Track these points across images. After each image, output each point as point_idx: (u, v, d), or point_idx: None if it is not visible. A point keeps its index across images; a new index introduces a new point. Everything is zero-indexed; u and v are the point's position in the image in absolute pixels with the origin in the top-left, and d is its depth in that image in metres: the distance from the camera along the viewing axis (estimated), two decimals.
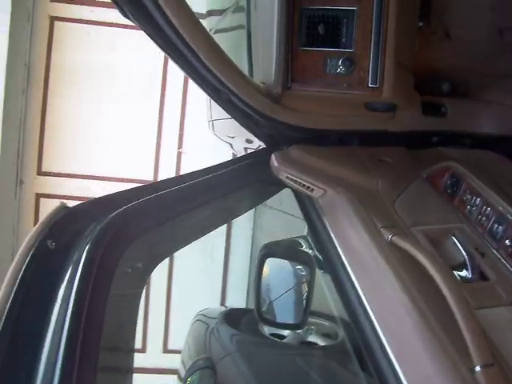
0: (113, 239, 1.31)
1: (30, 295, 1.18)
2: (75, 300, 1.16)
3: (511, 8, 2.16)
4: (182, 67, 1.58)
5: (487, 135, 2.11)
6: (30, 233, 1.27)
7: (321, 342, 3.22)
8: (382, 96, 1.84)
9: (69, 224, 1.36)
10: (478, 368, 1.10)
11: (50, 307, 1.18)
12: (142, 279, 1.68)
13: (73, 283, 1.19)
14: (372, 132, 1.95)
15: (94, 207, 1.45)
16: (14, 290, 1.15)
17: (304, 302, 1.93)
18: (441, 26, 2.22)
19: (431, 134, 2.06)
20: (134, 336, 1.64)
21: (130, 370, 1.63)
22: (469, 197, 1.66)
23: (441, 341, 1.19)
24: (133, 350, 1.65)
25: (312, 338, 3.24)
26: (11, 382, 1.09)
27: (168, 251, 1.92)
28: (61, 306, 1.18)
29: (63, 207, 1.37)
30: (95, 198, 1.50)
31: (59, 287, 1.22)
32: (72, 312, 1.14)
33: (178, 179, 1.70)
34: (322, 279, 2.00)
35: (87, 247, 1.25)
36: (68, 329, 1.12)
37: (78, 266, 1.22)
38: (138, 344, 5.76)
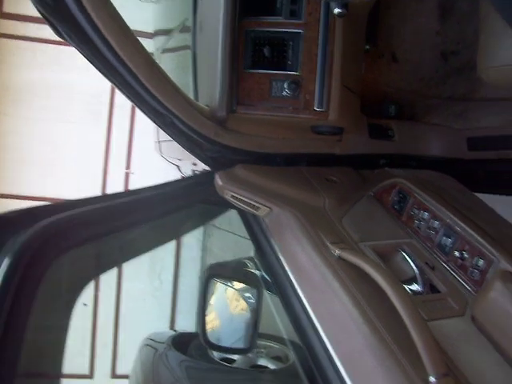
0: (40, 249, 1.23)
1: None
2: None
3: (455, 33, 2.20)
4: (123, 91, 1.54)
5: (433, 157, 2.14)
6: None
7: (271, 365, 3.19)
8: (328, 119, 1.83)
9: None
10: (432, 379, 1.08)
11: None
12: (71, 297, 1.61)
13: None
14: (319, 155, 1.94)
15: (25, 215, 1.37)
16: None
17: (251, 324, 1.90)
18: (388, 50, 2.25)
19: (378, 157, 2.07)
20: (62, 357, 1.56)
21: None
22: (416, 211, 1.66)
23: (394, 354, 1.17)
24: (59, 375, 1.57)
25: (262, 362, 3.21)
26: None
27: (106, 266, 1.85)
28: None
29: None
30: (27, 207, 1.42)
31: None
32: None
33: (120, 194, 1.65)
34: (270, 300, 1.98)
35: (7, 258, 1.17)
36: None
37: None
38: (84, 369, 5.65)
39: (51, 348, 1.50)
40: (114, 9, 1.36)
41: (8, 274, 1.15)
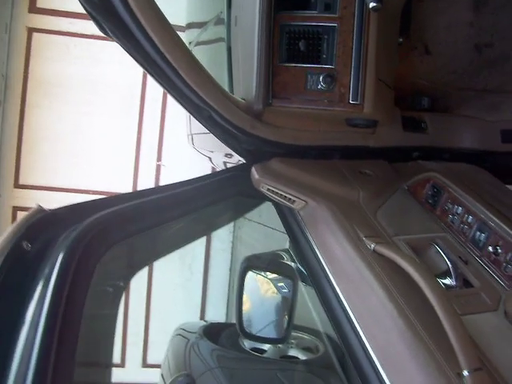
0: (90, 244, 1.28)
1: (3, 295, 1.16)
2: (50, 305, 1.13)
3: (489, 25, 2.19)
4: (162, 84, 1.57)
5: (466, 150, 2.13)
6: (4, 233, 1.24)
7: (301, 356, 3.20)
8: (362, 112, 1.84)
9: (45, 227, 1.33)
10: (466, 372, 1.10)
11: (23, 311, 1.15)
12: (121, 287, 1.66)
13: (48, 287, 1.16)
14: (353, 147, 1.95)
15: (72, 212, 1.43)
16: None
17: (286, 315, 1.92)
18: (421, 42, 2.24)
19: (411, 149, 2.07)
20: (113, 346, 1.60)
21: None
22: (450, 206, 1.66)
23: (427, 347, 1.18)
24: (111, 363, 1.62)
25: (292, 352, 3.22)
26: None
27: (146, 260, 1.90)
28: (35, 310, 1.14)
29: (40, 210, 1.34)
30: (74, 204, 1.47)
31: (34, 290, 1.18)
32: (46, 318, 1.11)
33: (159, 189, 1.69)
34: (305, 292, 1.99)
35: (64, 251, 1.22)
36: (42, 335, 1.09)
37: (54, 269, 1.19)
38: (116, 359, 5.71)
39: (103, 337, 1.54)
40: (156, 5, 1.39)
41: (63, 268, 1.19)
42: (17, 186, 5.73)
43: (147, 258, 1.86)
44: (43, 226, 1.32)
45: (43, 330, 1.09)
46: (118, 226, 1.42)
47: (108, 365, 1.63)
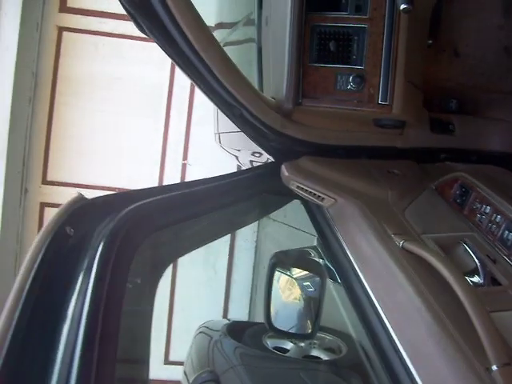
0: (131, 230, 1.31)
1: (48, 279, 1.18)
2: (93, 288, 1.16)
3: None
4: (196, 82, 1.60)
5: (494, 152, 2.12)
6: (48, 219, 1.28)
7: (324, 357, 3.21)
8: (391, 113, 1.85)
9: (87, 213, 1.37)
10: (494, 367, 1.10)
11: (67, 294, 1.18)
12: (156, 277, 1.69)
13: (91, 270, 1.19)
14: (380, 148, 1.96)
15: (111, 200, 1.47)
16: (32, 274, 1.15)
17: (313, 311, 1.93)
18: (450, 44, 2.24)
19: (439, 151, 2.08)
20: (150, 340, 1.62)
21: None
22: (478, 205, 1.66)
23: (456, 341, 1.19)
24: (148, 359, 1.64)
25: (315, 352, 3.23)
26: (23, 372, 1.07)
27: (179, 252, 1.92)
28: (78, 294, 1.17)
29: (81, 198, 1.38)
30: (111, 194, 1.51)
31: (77, 273, 1.22)
32: (90, 301, 1.13)
33: (190, 184, 1.72)
34: (333, 289, 2.01)
35: (106, 236, 1.26)
36: (86, 318, 1.11)
37: (96, 253, 1.22)
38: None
39: (141, 331, 1.57)
40: (192, 4, 1.42)
41: (105, 256, 1.22)
42: (44, 182, 5.79)
43: (178, 251, 1.89)
44: (84, 213, 1.35)
45: (86, 322, 1.11)
46: (154, 216, 1.45)
47: (145, 360, 1.66)
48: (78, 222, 1.32)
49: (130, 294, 1.29)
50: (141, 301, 1.59)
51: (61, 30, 5.65)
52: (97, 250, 1.22)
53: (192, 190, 1.63)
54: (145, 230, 1.39)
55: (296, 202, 1.92)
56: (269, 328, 1.94)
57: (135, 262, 1.32)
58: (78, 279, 1.20)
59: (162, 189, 1.62)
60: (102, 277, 1.19)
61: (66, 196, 1.41)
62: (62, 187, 5.74)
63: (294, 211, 1.96)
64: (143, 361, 1.63)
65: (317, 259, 2.02)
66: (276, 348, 3.11)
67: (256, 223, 5.64)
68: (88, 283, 1.17)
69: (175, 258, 1.79)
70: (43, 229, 1.24)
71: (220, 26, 3.60)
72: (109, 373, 1.11)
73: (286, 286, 1.98)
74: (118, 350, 1.15)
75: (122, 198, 1.48)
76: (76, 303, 1.15)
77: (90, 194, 1.45)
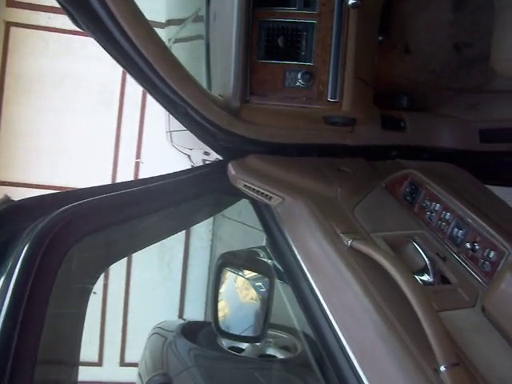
0: (56, 237, 1.24)
1: None
2: (11, 299, 1.10)
3: (468, 24, 2.19)
4: (138, 79, 1.55)
5: (445, 149, 2.14)
6: None
7: (279, 355, 3.21)
8: (341, 110, 1.83)
9: (12, 217, 1.32)
10: (442, 368, 1.10)
11: None
12: (89, 283, 1.63)
13: (10, 279, 1.13)
14: (331, 146, 1.95)
15: (41, 203, 1.40)
16: None
17: (263, 313, 1.91)
18: (401, 41, 2.24)
19: (390, 148, 2.07)
20: (79, 345, 1.57)
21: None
22: (428, 203, 1.66)
23: (404, 342, 1.18)
24: (77, 363, 1.58)
25: (271, 351, 3.23)
26: None
27: (119, 255, 1.87)
28: None
29: (7, 200, 1.33)
30: (43, 195, 1.45)
31: None
32: (6, 313, 1.08)
33: (134, 183, 1.67)
34: (281, 289, 1.99)
35: (28, 243, 1.19)
36: (1, 332, 1.06)
37: (17, 262, 1.15)
38: (94, 357, 5.69)
39: (69, 335, 1.52)
40: None
41: (28, 260, 1.16)
42: None
43: (120, 253, 1.84)
44: (9, 216, 1.30)
45: (2, 324, 1.07)
46: (89, 218, 1.39)
47: (74, 363, 1.60)
48: (2, 225, 1.26)
49: (56, 301, 1.23)
50: (70, 306, 1.53)
51: (8, 25, 5.53)
52: (19, 256, 1.16)
53: (134, 189, 1.58)
54: (77, 232, 1.33)
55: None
56: (216, 331, 1.91)
57: (67, 264, 1.26)
58: None
59: (103, 188, 1.56)
60: (23, 283, 1.13)
61: (16, 196, 1.36)
62: (12, 187, 5.63)
63: (248, 209, 1.93)
64: (71, 366, 1.57)
65: (265, 260, 2.00)
66: (231, 348, 3.11)
67: (211, 222, 5.63)
68: (7, 290, 1.11)
69: (118, 259, 1.74)
70: None
71: (170, 22, 3.56)
72: (25, 377, 1.07)
73: (234, 288, 1.96)
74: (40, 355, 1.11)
75: (55, 199, 1.43)
76: None
77: (41, 194, 1.40)
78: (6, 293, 1.11)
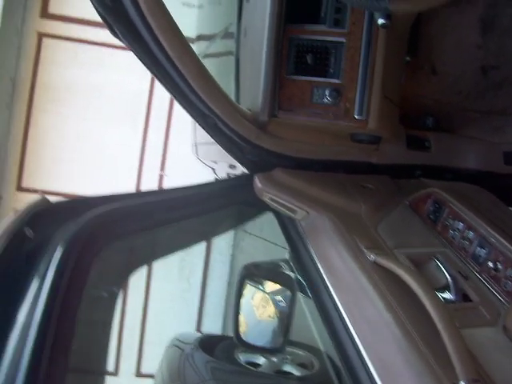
0: (89, 238, 1.29)
1: (3, 279, 1.16)
2: (45, 303, 1.13)
3: (496, 47, 2.20)
4: (170, 90, 1.59)
5: (469, 170, 2.14)
6: (8, 218, 1.25)
7: (296, 372, 3.19)
8: (367, 128, 1.84)
9: (49, 217, 1.35)
10: (462, 383, 1.09)
11: (21, 295, 1.15)
12: (118, 284, 1.65)
13: (46, 276, 1.17)
14: (356, 163, 1.96)
15: (76, 205, 1.44)
16: None
17: (283, 325, 1.92)
18: (428, 62, 2.25)
19: (414, 167, 2.08)
20: (108, 349, 1.59)
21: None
22: (451, 222, 1.67)
23: (424, 356, 1.18)
24: (104, 371, 1.60)
25: (287, 368, 3.21)
26: None
27: (146, 259, 1.90)
28: (31, 305, 1.14)
29: (45, 200, 1.36)
30: (78, 198, 1.49)
31: (32, 278, 1.19)
32: (41, 317, 1.11)
33: (162, 191, 1.70)
34: (303, 303, 2.00)
35: (62, 245, 1.23)
36: (37, 327, 1.09)
37: (51, 263, 1.19)
38: (110, 367, 5.68)
39: (98, 337, 1.54)
40: (167, 11, 1.41)
41: (61, 261, 1.19)
42: (19, 189, 5.74)
43: (146, 258, 1.87)
44: (46, 216, 1.33)
45: (36, 329, 1.09)
46: (119, 222, 1.43)
47: (102, 372, 1.62)
48: (39, 224, 1.30)
49: (87, 302, 1.26)
50: (100, 308, 1.56)
51: (41, 36, 5.62)
52: (53, 257, 1.20)
53: (162, 197, 1.61)
54: (108, 235, 1.36)
55: (272, 216, 1.91)
56: (237, 341, 1.92)
57: (95, 268, 1.29)
58: (32, 284, 1.17)
59: (132, 195, 1.60)
60: (57, 283, 1.16)
61: None
62: (37, 194, 5.67)
63: (270, 225, 1.95)
64: (99, 373, 1.59)
65: (288, 272, 2.01)
66: (248, 363, 3.09)
67: (232, 237, 5.63)
68: (41, 289, 1.14)
69: (142, 265, 1.76)
70: (1, 228, 1.22)
71: (200, 38, 3.60)
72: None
73: (256, 300, 1.97)
74: (71, 362, 1.13)
75: (88, 202, 1.46)
76: (26, 317, 1.13)
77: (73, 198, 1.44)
78: (40, 295, 1.14)
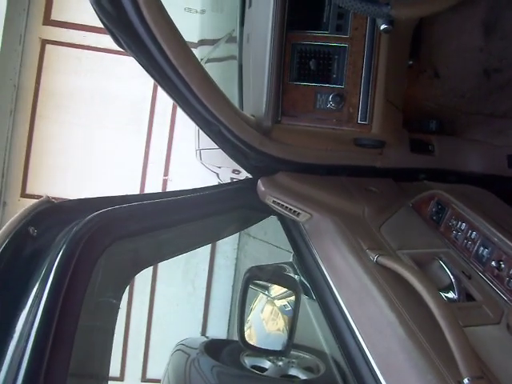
0: (95, 237, 1.30)
1: (3, 280, 1.17)
2: (50, 293, 1.14)
3: (498, 51, 2.20)
4: (174, 98, 1.59)
5: (472, 173, 2.14)
6: (12, 218, 1.26)
7: (302, 376, 3.20)
8: (370, 132, 1.84)
9: (52, 216, 1.36)
10: (466, 380, 1.10)
11: (24, 293, 1.16)
12: (121, 285, 1.66)
13: (49, 275, 1.17)
14: (360, 167, 1.97)
15: (79, 205, 1.46)
16: None
17: (288, 327, 1.93)
18: (430, 66, 2.25)
19: (418, 171, 2.09)
20: (111, 346, 1.59)
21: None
22: (454, 222, 1.68)
23: (428, 355, 1.19)
24: (106, 377, 1.60)
25: (293, 372, 3.22)
26: None
27: (150, 261, 1.90)
28: (32, 303, 1.15)
29: (48, 200, 1.37)
30: (81, 198, 1.50)
31: (35, 277, 1.20)
32: (45, 304, 1.12)
33: (166, 194, 1.71)
34: (307, 305, 2.00)
35: (68, 241, 1.24)
36: (39, 323, 1.09)
37: (57, 256, 1.20)
38: (115, 372, 5.68)
39: (100, 340, 1.54)
40: (171, 20, 1.42)
41: (65, 261, 1.20)
42: (23, 195, 5.76)
43: (148, 260, 1.87)
44: (50, 216, 1.34)
45: (38, 329, 1.09)
46: (122, 223, 1.44)
47: (104, 377, 1.62)
48: (43, 223, 1.31)
49: (90, 302, 1.27)
50: (102, 310, 1.56)
51: (44, 42, 5.65)
52: (56, 256, 1.20)
53: (167, 199, 1.62)
54: (112, 236, 1.37)
55: (276, 219, 1.92)
56: (242, 343, 1.93)
57: (99, 269, 1.30)
58: (34, 284, 1.18)
59: (135, 197, 1.61)
60: (60, 283, 1.17)
61: None
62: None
63: (274, 229, 1.96)
64: (101, 376, 1.59)
65: (292, 275, 2.02)
66: (254, 367, 3.10)
67: (236, 241, 5.64)
68: (44, 289, 1.15)
69: (146, 267, 1.77)
70: (5, 226, 1.23)
71: (202, 42, 3.61)
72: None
73: (260, 302, 1.98)
74: (72, 364, 1.13)
75: (91, 203, 1.48)
76: (31, 309, 1.14)
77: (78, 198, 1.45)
78: (42, 295, 1.15)
